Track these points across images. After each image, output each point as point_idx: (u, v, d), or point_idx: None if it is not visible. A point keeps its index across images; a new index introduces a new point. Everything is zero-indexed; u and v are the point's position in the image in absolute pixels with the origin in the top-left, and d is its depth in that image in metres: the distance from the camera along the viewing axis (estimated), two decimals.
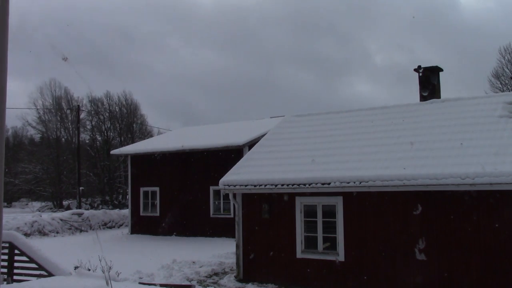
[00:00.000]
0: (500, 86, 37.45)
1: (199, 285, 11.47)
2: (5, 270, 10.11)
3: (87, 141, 51.13)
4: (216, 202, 21.79)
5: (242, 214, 12.34)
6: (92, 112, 50.78)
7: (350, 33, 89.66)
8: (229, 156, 20.58)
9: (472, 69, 58.57)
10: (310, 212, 11.34)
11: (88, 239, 21.18)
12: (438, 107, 12.74)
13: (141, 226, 23.96)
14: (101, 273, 7.76)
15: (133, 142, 44.62)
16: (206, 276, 12.80)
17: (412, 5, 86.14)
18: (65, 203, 46.01)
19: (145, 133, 52.74)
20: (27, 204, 50.02)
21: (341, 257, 10.76)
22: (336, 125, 13.68)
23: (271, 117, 28.19)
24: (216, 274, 13.13)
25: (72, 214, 26.72)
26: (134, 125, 53.23)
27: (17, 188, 49.83)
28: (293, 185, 11.07)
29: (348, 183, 10.37)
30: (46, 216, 26.52)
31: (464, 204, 9.54)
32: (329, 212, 11.08)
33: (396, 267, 10.13)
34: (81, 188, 39.20)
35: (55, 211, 38.09)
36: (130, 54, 79.71)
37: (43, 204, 48.02)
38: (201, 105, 77.24)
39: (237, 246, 12.33)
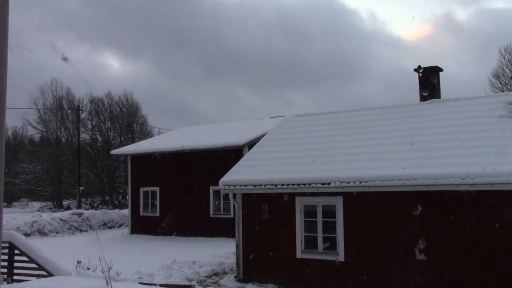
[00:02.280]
0: (500, 86, 37.44)
1: (199, 285, 11.47)
2: (5, 270, 10.11)
3: (87, 141, 51.13)
4: (216, 202, 21.79)
5: (242, 214, 12.34)
6: (93, 112, 50.81)
7: None
8: (229, 156, 20.58)
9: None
10: (310, 212, 11.34)
11: (88, 239, 21.18)
12: (438, 107, 12.74)
13: (141, 226, 23.95)
14: (101, 273, 7.76)
15: (133, 142, 44.60)
16: (206, 276, 12.80)
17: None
18: (65, 203, 46.01)
19: (146, 133, 52.73)
20: (27, 204, 50.00)
21: (341, 257, 10.76)
22: (336, 125, 13.68)
23: (271, 117, 28.20)
24: (216, 274, 13.13)
25: (72, 214, 26.73)
26: (135, 125, 53.22)
27: (17, 188, 49.84)
28: (293, 185, 11.07)
29: (348, 183, 10.37)
30: (46, 216, 26.53)
31: (464, 204, 9.54)
32: (329, 212, 11.08)
33: (396, 267, 10.13)
34: (81, 188, 39.23)
35: (55, 211, 38.09)
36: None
37: (43, 204, 48.01)
38: None
39: (237, 246, 12.33)
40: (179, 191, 22.95)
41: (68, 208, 39.87)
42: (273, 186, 11.36)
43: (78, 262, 8.94)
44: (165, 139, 26.94)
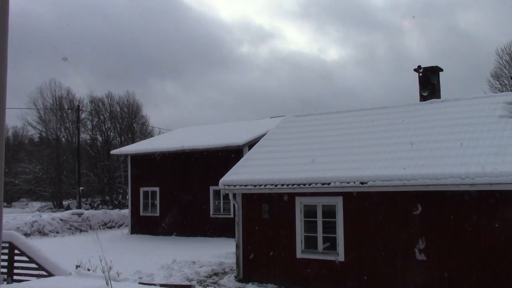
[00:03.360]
0: (499, 86, 37.46)
1: (199, 285, 11.48)
2: (5, 270, 10.12)
3: (88, 141, 51.15)
4: (216, 202, 21.79)
5: (242, 214, 12.34)
6: (93, 112, 50.83)
7: None
8: (229, 156, 20.58)
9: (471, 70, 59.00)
10: (310, 212, 11.34)
11: (88, 239, 21.18)
12: (438, 107, 12.74)
13: (141, 226, 23.95)
14: (101, 273, 7.77)
15: (133, 142, 44.62)
16: (206, 276, 12.81)
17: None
18: (65, 203, 46.00)
19: (146, 133, 52.75)
20: (27, 204, 49.98)
21: (341, 257, 10.76)
22: (336, 125, 13.69)
23: (271, 117, 28.21)
24: (216, 274, 13.13)
25: (72, 214, 26.72)
26: (135, 125, 53.24)
27: (17, 188, 49.83)
28: (293, 185, 11.07)
29: (348, 183, 10.37)
30: (46, 216, 26.51)
31: (464, 204, 9.54)
32: (329, 212, 11.08)
33: (396, 267, 10.13)
34: (81, 188, 39.21)
35: (55, 211, 38.09)
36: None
37: (43, 204, 48.01)
38: None
39: (237, 246, 12.34)
40: (179, 191, 22.95)
41: (68, 208, 39.86)
42: (273, 186, 11.36)
43: (77, 266, 8.93)
44: (165, 139, 26.94)
